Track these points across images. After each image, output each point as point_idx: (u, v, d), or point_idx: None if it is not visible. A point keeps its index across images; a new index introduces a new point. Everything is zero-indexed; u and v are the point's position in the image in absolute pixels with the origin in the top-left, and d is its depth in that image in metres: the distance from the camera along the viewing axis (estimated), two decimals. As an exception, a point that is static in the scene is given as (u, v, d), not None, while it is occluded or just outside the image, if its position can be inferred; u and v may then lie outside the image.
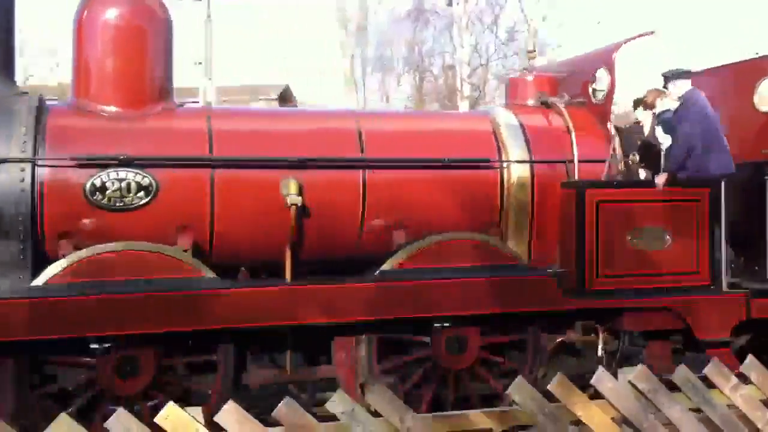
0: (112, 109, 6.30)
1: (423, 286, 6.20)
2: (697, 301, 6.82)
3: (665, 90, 7.81)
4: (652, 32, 7.35)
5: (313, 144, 6.54)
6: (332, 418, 4.23)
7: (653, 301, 6.71)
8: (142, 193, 6.07)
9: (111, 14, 6.34)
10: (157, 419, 3.86)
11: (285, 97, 30.10)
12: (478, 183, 6.85)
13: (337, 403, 4.12)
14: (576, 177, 6.93)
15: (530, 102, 7.48)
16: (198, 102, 19.00)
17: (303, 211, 6.38)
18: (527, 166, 6.91)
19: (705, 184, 6.91)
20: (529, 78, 7.56)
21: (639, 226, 6.72)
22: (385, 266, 6.32)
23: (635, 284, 6.71)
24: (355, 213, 6.55)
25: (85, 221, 5.99)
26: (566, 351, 7.09)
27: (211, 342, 6.04)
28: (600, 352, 6.88)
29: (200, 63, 22.29)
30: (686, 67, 7.22)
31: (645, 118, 7.79)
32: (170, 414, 3.84)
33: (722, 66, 8.10)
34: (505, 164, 6.88)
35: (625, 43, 7.20)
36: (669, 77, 7.15)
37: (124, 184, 6.04)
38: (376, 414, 4.23)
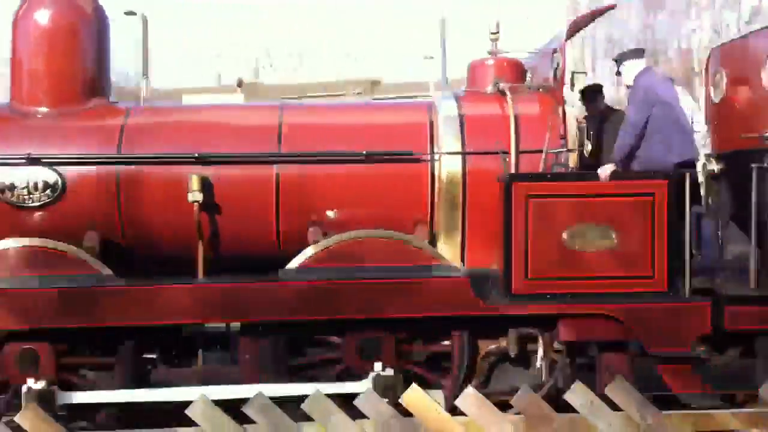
0: (42, 109, 6.48)
1: (315, 288, 5.90)
2: (646, 309, 6.02)
3: None
4: (613, 6, 6.58)
5: (227, 139, 6.40)
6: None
7: (591, 308, 6.00)
8: (48, 191, 6.21)
9: (39, 16, 6.51)
10: (402, 400, 4.21)
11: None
12: (405, 178, 6.40)
13: (576, 394, 4.08)
14: (514, 170, 6.31)
15: (489, 89, 6.88)
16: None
17: (213, 208, 6.27)
18: (459, 159, 6.37)
19: (662, 176, 6.08)
20: (489, 62, 6.95)
21: (578, 223, 6.02)
22: (290, 265, 6.08)
23: (571, 288, 6.03)
24: (269, 210, 6.34)
25: (-2, 218, 6.21)
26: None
27: (113, 342, 6.08)
28: (539, 363, 6.25)
29: (431, 57, 23.02)
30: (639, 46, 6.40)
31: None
32: (412, 396, 4.18)
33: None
34: (436, 158, 6.39)
35: (578, 19, 6.48)
36: (618, 60, 6.38)
37: (31, 183, 6.20)
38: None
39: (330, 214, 6.34)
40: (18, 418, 3.67)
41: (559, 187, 6.08)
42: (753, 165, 6.23)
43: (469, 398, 3.90)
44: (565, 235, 6.01)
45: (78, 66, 6.57)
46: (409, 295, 5.93)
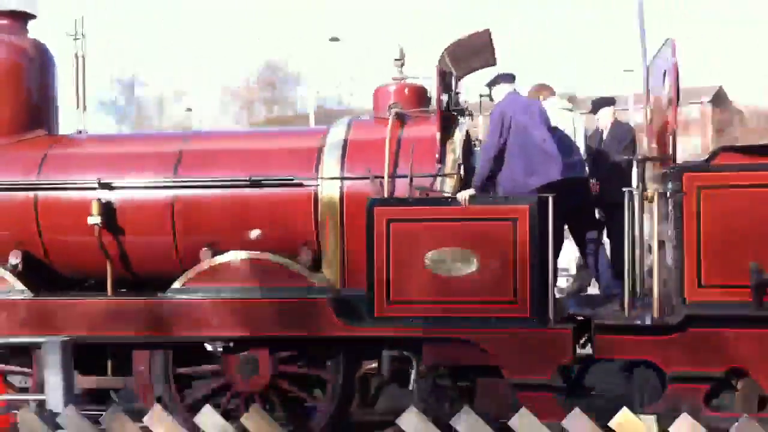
0: (-11, 141, 7.32)
1: (177, 305, 6.33)
2: (506, 335, 5.97)
3: (548, 86, 6.97)
4: (486, 30, 6.56)
5: (130, 166, 6.94)
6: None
7: (451, 332, 6.03)
8: (-21, 215, 7.00)
9: (-15, 57, 7.38)
10: (612, 423, 4.03)
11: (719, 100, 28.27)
12: (291, 202, 6.69)
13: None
14: (387, 194, 6.43)
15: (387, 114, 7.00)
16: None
17: (116, 230, 6.83)
18: (337, 184, 6.58)
19: (525, 201, 6.01)
20: (391, 88, 7.09)
21: (438, 247, 6.07)
22: (174, 285, 6.53)
23: (433, 312, 6.08)
24: (167, 232, 6.82)
25: (-63, 239, 7.06)
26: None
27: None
28: (412, 386, 6.34)
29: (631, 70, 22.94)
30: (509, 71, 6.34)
31: None
32: (624, 420, 3.95)
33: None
34: (319, 183, 6.63)
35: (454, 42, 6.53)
36: (490, 85, 6.37)
37: (-36, 207, 7.01)
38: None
39: (220, 236, 6.71)
40: (244, 420, 3.87)
41: (419, 212, 6.18)
42: (624, 189, 6.05)
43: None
44: (427, 260, 6.08)
45: (19, 101, 7.35)
46: (268, 314, 6.21)
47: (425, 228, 6.12)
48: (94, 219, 6.68)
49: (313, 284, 6.38)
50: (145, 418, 3.80)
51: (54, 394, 4.10)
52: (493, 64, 7.45)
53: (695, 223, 5.84)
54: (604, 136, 7.57)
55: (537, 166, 6.08)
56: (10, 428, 4.34)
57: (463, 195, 6.08)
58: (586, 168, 6.86)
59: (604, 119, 7.64)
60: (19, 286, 6.69)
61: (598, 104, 7.67)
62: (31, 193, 6.97)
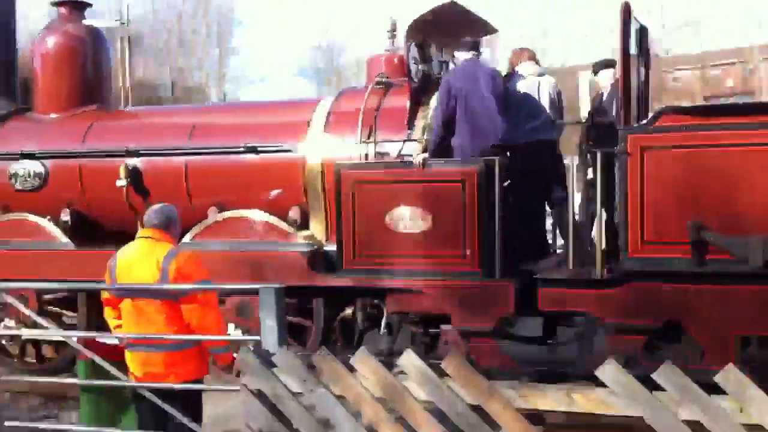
0: (51, 115, 8.59)
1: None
2: (454, 286, 6.49)
3: (528, 49, 7.30)
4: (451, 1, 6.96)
5: (154, 135, 7.96)
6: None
7: (408, 283, 6.62)
8: (37, 179, 8.27)
9: (46, 43, 8.65)
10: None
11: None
12: (282, 168, 7.47)
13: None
14: (364, 159, 7.07)
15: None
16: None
17: (140, 191, 7.89)
18: (320, 152, 7.29)
19: (472, 164, 6.47)
20: (381, 58, 7.67)
21: (397, 207, 6.66)
22: (184, 239, 7.49)
23: (392, 265, 6.69)
24: (182, 193, 7.78)
25: (10, 199, 8.41)
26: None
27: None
28: (382, 330, 7.00)
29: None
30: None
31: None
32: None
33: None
34: (306, 150, 7.37)
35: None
36: (454, 54, 6.79)
37: (26, 172, 8.31)
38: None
39: (225, 197, 7.60)
40: (444, 365, 3.62)
41: (380, 175, 6.77)
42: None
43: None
44: (387, 218, 6.68)
45: (74, 81, 8.55)
46: (254, 266, 7.04)
47: (386, 189, 6.72)
48: (122, 182, 7.77)
49: (295, 240, 7.15)
50: (353, 359, 3.91)
51: (269, 336, 4.25)
52: (492, 32, 7.84)
53: (638, 183, 6.08)
54: (604, 98, 7.75)
55: (481, 130, 6.49)
56: (231, 365, 4.80)
57: (417, 159, 6.61)
58: (554, 131, 7.14)
59: (604, 81, 7.80)
60: (65, 239, 7.91)
61: (599, 66, 7.84)
62: (76, 160, 8.16)
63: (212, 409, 5.60)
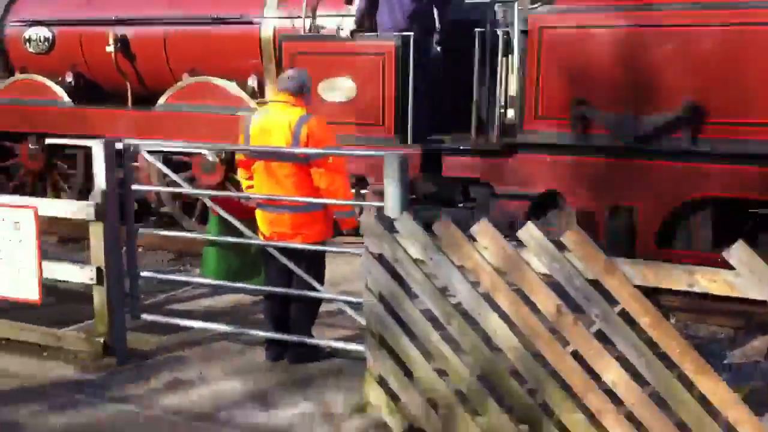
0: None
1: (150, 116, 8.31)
2: (371, 151, 7.23)
3: None
4: None
5: (141, 5, 8.85)
6: None
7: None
8: (46, 44, 9.37)
9: None
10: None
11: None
12: (242, 38, 8.30)
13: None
14: (307, 32, 7.77)
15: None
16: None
17: (127, 57, 8.87)
18: (272, 24, 8.04)
19: (390, 39, 7.08)
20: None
21: (329, 77, 7.38)
22: (159, 101, 8.49)
23: (323, 132, 7.46)
24: (162, 59, 8.73)
25: (26, 61, 9.58)
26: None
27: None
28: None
29: None
30: None
31: None
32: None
33: None
34: (261, 21, 8.14)
35: None
36: None
37: (37, 37, 9.41)
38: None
39: (197, 64, 8.50)
40: (564, 238, 3.42)
41: (315, 46, 7.48)
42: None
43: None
44: (320, 88, 7.42)
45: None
46: (211, 126, 7.99)
47: (320, 60, 7.43)
48: (110, 48, 8.77)
49: (248, 106, 8.01)
50: (473, 229, 3.72)
51: (391, 202, 4.17)
52: None
53: (536, 61, 6.58)
54: None
55: (392, 5, 7.07)
56: (356, 228, 4.86)
57: (345, 31, 7.27)
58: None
59: None
60: (67, 98, 9.04)
61: None
62: (77, 27, 9.18)
63: (335, 270, 5.78)
